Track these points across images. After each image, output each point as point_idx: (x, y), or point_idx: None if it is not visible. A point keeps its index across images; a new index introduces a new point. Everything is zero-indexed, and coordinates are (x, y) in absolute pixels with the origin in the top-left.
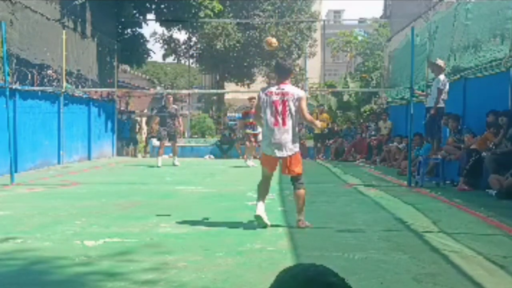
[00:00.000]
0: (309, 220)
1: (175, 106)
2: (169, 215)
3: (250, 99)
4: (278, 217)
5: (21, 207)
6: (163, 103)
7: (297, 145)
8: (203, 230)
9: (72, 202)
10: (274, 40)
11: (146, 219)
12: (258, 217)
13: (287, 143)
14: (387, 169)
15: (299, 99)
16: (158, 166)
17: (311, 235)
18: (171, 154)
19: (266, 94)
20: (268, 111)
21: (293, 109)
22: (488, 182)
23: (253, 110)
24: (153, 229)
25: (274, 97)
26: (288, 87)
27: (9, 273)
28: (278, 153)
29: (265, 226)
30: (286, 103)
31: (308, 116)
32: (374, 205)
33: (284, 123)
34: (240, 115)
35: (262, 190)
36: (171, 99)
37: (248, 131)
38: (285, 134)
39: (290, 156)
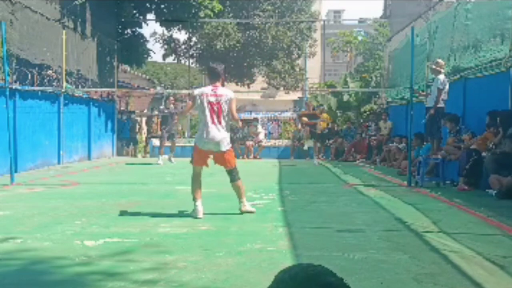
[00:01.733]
0: (309, 220)
1: (175, 106)
2: (169, 215)
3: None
4: (278, 217)
5: (21, 207)
6: (163, 104)
7: (229, 141)
8: (203, 230)
9: (72, 202)
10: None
11: (146, 219)
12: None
13: (223, 139)
14: (387, 169)
15: (230, 100)
16: (158, 164)
17: (311, 235)
18: (171, 154)
19: (201, 96)
20: (206, 111)
21: (226, 109)
22: (488, 182)
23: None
24: (153, 229)
25: (210, 98)
26: (221, 89)
27: (9, 273)
28: (215, 148)
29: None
30: (221, 104)
31: (236, 115)
32: (374, 205)
33: (219, 122)
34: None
35: (197, 187)
36: (172, 100)
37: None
38: (221, 131)
39: (226, 151)
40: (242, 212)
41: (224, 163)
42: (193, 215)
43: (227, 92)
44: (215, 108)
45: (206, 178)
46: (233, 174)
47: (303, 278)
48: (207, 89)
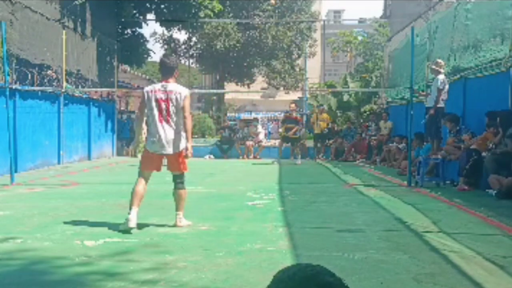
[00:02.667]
0: (309, 220)
1: None
2: (169, 215)
3: (291, 103)
4: (278, 217)
5: (21, 207)
6: None
7: (183, 142)
8: (203, 230)
9: (72, 202)
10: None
11: (146, 219)
12: (128, 229)
13: (173, 140)
14: (387, 169)
15: (183, 98)
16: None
17: (311, 235)
18: None
19: (150, 92)
20: (155, 110)
21: (177, 106)
22: (488, 182)
23: (294, 114)
24: (153, 229)
25: (159, 95)
26: (172, 85)
27: (9, 273)
28: (164, 150)
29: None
30: (170, 101)
31: (188, 115)
32: (374, 205)
33: (168, 120)
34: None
35: (138, 195)
36: None
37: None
38: (170, 131)
39: (175, 153)
40: (175, 226)
41: (177, 166)
42: (121, 227)
43: (180, 88)
44: (164, 106)
45: (206, 178)
46: (179, 180)
47: (302, 278)
48: (158, 85)
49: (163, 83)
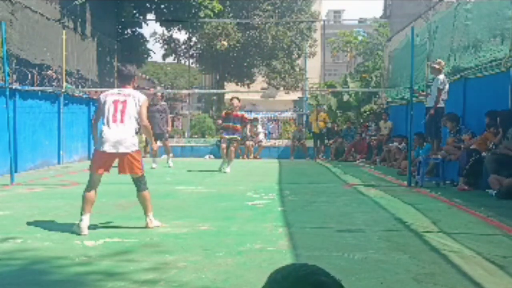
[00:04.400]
0: (309, 220)
1: (164, 104)
2: (169, 215)
3: (232, 99)
4: (278, 217)
5: (21, 207)
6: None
7: (136, 144)
8: (203, 230)
9: (72, 202)
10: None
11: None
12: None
13: (125, 139)
14: (387, 169)
15: (139, 103)
16: (152, 168)
17: (311, 235)
18: (171, 155)
19: (106, 96)
20: (108, 110)
21: (132, 110)
22: (488, 182)
23: (235, 112)
24: (153, 229)
25: (115, 97)
26: (129, 90)
27: (9, 273)
28: (115, 149)
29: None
30: (126, 103)
31: (145, 121)
32: (374, 205)
33: (122, 120)
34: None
35: (90, 200)
36: (159, 95)
37: (224, 136)
38: (123, 131)
39: (128, 154)
40: (147, 227)
41: (130, 168)
42: (75, 230)
43: (137, 94)
44: (120, 106)
45: (206, 178)
46: (140, 183)
47: (296, 277)
48: (115, 90)
49: (121, 88)
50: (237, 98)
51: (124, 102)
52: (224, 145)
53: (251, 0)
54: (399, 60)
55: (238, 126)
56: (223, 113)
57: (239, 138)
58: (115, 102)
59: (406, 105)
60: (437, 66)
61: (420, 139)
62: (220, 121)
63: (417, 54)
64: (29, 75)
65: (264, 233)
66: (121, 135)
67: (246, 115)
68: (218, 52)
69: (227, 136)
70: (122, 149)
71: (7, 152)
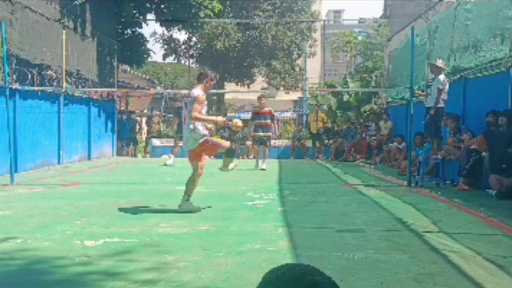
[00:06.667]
0: (309, 220)
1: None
2: (169, 215)
3: (260, 98)
4: (278, 217)
5: (21, 207)
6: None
7: (197, 142)
8: (203, 230)
9: (72, 202)
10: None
11: (146, 219)
12: None
13: (188, 138)
14: (387, 169)
15: (193, 100)
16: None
17: (311, 235)
18: (170, 155)
19: (183, 98)
20: (183, 111)
21: (190, 108)
22: (488, 182)
23: (264, 109)
24: (153, 229)
25: (185, 100)
26: (192, 90)
27: (9, 273)
28: (184, 146)
29: None
30: (187, 104)
31: (193, 115)
32: (374, 205)
33: (185, 121)
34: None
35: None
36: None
37: (260, 133)
38: (187, 131)
39: (190, 151)
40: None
41: (189, 159)
42: (192, 209)
43: (193, 92)
44: (186, 109)
45: (206, 178)
46: (193, 172)
47: (290, 278)
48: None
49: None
50: (263, 96)
51: (186, 104)
52: (255, 146)
53: (251, 0)
54: (399, 60)
55: (269, 122)
56: (252, 112)
57: (271, 134)
58: (184, 105)
59: (406, 105)
60: (441, 65)
61: (418, 139)
62: (250, 121)
63: (417, 54)
64: (29, 75)
65: (264, 233)
66: (185, 135)
67: (273, 110)
68: (218, 52)
69: (262, 134)
70: (186, 147)
71: (7, 152)
